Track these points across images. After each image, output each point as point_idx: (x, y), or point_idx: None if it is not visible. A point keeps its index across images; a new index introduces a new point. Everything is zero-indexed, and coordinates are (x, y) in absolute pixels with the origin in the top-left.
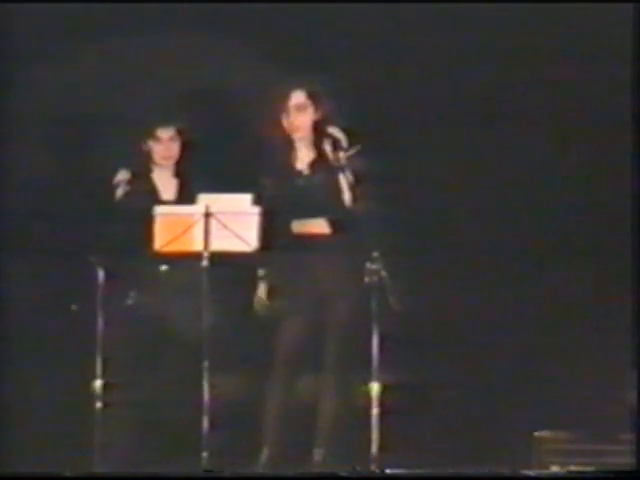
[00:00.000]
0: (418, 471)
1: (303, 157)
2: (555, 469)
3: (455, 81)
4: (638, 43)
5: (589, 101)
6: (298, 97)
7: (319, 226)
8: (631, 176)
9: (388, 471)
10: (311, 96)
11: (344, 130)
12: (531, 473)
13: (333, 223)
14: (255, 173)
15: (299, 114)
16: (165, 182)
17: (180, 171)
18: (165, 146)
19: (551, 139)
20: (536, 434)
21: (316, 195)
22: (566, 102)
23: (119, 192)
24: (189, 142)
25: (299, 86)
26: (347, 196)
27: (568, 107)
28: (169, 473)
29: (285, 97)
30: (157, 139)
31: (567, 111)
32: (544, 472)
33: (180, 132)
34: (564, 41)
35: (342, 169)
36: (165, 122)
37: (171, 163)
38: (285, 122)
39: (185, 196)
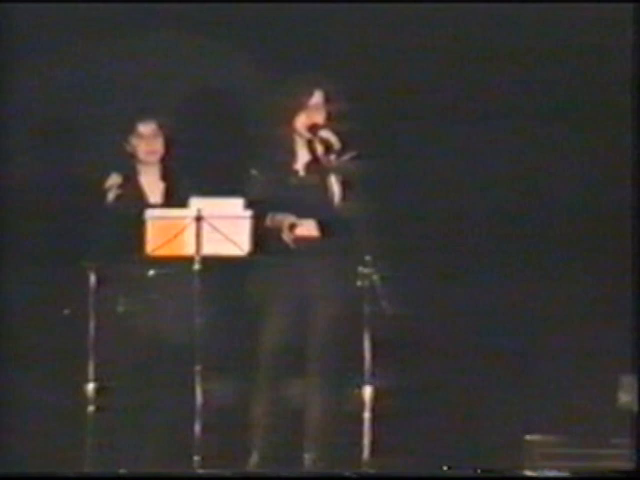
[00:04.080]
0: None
1: (301, 157)
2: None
3: (452, 83)
4: (638, 43)
5: (589, 101)
6: (318, 96)
7: (308, 227)
8: (631, 176)
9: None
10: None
11: (337, 133)
12: (529, 474)
13: (325, 227)
14: (246, 174)
15: (317, 113)
16: (152, 185)
17: (167, 174)
18: (148, 141)
19: (551, 140)
20: (527, 437)
21: (308, 196)
22: (566, 102)
23: (110, 196)
24: (173, 138)
25: (318, 85)
26: (339, 199)
27: (568, 107)
28: (167, 473)
29: (307, 95)
30: (139, 135)
31: (567, 111)
32: (543, 473)
33: (162, 126)
34: (564, 41)
35: (334, 172)
36: (145, 116)
37: (156, 159)
38: (299, 121)
39: (172, 199)
